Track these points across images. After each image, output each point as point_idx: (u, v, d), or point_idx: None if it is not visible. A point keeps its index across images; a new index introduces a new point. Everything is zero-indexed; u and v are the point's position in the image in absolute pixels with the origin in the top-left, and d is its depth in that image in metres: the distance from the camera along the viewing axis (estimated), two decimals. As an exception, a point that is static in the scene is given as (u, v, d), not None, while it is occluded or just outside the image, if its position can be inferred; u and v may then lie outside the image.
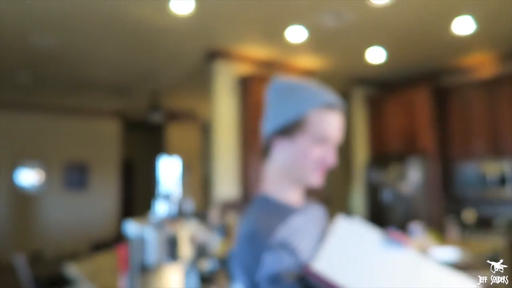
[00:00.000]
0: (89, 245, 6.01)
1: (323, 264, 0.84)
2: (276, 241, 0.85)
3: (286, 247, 0.86)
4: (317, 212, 1.13)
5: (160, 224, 1.57)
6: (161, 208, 1.63)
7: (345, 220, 0.97)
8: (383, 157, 5.55)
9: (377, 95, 5.88)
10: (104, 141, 7.98)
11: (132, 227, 1.60)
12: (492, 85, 4.74)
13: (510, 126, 4.59)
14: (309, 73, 5.19)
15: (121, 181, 8.21)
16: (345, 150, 6.61)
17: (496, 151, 4.70)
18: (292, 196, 1.01)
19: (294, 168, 0.96)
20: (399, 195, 5.18)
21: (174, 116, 7.46)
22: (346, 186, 6.64)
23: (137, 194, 9.52)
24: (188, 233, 1.64)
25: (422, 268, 0.90)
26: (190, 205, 2.59)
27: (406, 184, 5.12)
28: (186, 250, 1.64)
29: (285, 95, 0.98)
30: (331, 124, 0.95)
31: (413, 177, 5.05)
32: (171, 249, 1.56)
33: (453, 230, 3.61)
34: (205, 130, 8.87)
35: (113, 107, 7.46)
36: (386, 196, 5.28)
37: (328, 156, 0.96)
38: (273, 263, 0.82)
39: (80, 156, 7.66)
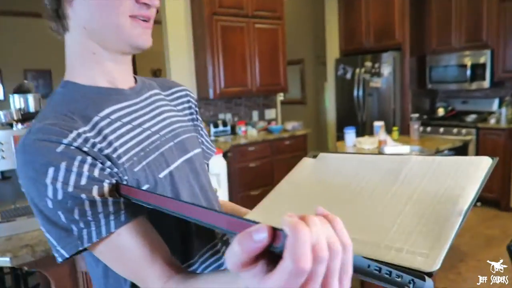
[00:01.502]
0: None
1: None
2: (73, 147, 0.57)
3: (92, 153, 0.59)
4: (165, 96, 0.81)
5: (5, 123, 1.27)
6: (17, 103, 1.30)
7: (309, 163, 0.71)
8: (356, 52, 5.16)
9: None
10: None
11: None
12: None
13: (491, 14, 4.17)
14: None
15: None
16: (317, 45, 6.18)
17: (476, 43, 4.33)
18: (112, 74, 0.70)
19: (104, 28, 0.65)
20: (371, 92, 4.91)
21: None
22: (319, 84, 6.34)
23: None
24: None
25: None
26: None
27: (378, 81, 4.82)
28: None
29: None
30: None
31: (386, 72, 4.73)
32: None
33: (415, 128, 3.40)
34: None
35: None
36: (358, 93, 5.01)
37: None
38: (63, 182, 0.55)
39: (42, 62, 7.18)
